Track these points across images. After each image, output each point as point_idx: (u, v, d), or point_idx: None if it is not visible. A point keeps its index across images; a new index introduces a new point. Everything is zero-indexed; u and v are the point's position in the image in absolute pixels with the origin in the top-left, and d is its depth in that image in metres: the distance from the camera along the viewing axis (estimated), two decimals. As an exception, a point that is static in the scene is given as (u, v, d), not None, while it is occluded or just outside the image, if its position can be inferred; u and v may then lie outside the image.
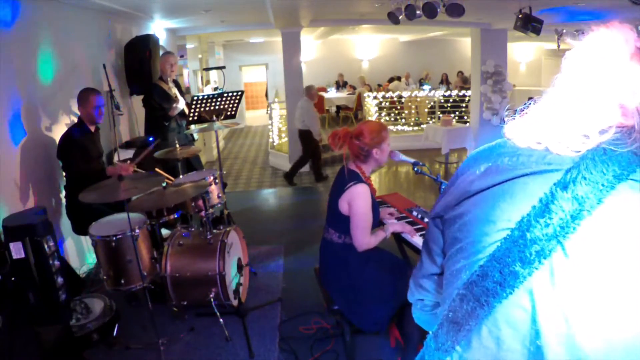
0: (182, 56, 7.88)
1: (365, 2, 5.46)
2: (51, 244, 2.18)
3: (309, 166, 7.27)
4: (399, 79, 12.58)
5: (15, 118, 2.95)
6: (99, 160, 3.34)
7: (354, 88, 12.15)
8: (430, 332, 0.81)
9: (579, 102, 0.67)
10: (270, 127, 8.48)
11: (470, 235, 0.75)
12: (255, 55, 13.62)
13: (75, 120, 3.42)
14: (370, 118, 9.60)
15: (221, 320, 2.77)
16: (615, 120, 0.65)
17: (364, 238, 2.20)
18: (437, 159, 7.79)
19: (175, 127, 4.50)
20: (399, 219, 2.67)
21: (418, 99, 9.91)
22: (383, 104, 9.63)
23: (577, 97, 0.68)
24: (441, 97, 9.46)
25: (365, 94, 10.23)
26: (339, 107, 11.57)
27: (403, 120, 9.72)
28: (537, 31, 4.85)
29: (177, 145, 3.64)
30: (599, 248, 0.61)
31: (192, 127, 4.74)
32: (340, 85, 12.76)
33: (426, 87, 11.31)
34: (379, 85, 12.78)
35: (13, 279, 2.12)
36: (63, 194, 3.33)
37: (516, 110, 0.77)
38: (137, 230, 2.58)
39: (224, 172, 6.74)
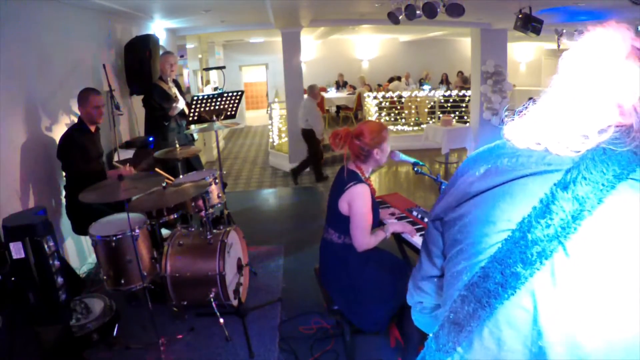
0: (182, 56, 7.88)
1: (365, 2, 5.46)
2: (51, 244, 2.18)
3: (310, 168, 7.28)
4: (399, 79, 12.58)
5: (15, 118, 2.95)
6: (98, 160, 3.34)
7: (354, 88, 12.15)
8: (431, 333, 0.81)
9: (577, 102, 0.67)
10: (270, 127, 8.48)
11: (471, 236, 0.75)
12: (255, 55, 13.62)
13: (76, 120, 3.42)
14: (370, 118, 9.60)
15: (221, 320, 2.77)
16: (613, 120, 0.65)
17: (364, 238, 2.20)
18: (437, 159, 7.79)
19: (175, 127, 4.50)
20: (399, 219, 2.67)
21: (418, 99, 9.91)
22: (383, 104, 9.63)
23: (575, 97, 0.68)
24: (441, 97, 9.46)
25: (365, 94, 10.23)
26: (339, 107, 11.58)
27: (403, 120, 9.72)
28: (537, 31, 4.85)
29: (177, 146, 3.64)
30: (600, 248, 0.61)
31: (192, 127, 4.74)
32: (340, 85, 12.76)
33: (426, 87, 11.31)
34: (379, 85, 12.78)
35: (13, 279, 2.12)
36: (63, 194, 3.33)
37: (515, 111, 0.77)
38: (137, 230, 2.58)
39: (224, 172, 6.74)
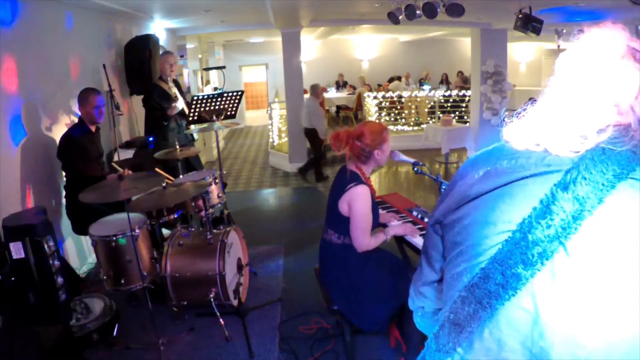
0: (182, 56, 7.88)
1: (365, 2, 5.46)
2: (51, 244, 2.18)
3: (311, 167, 7.28)
4: (399, 79, 12.58)
5: (15, 118, 2.95)
6: (98, 160, 3.34)
7: (354, 88, 12.15)
8: (431, 333, 0.81)
9: (574, 103, 0.68)
10: (270, 127, 8.48)
11: (470, 238, 0.75)
12: (255, 55, 13.62)
13: (76, 120, 3.42)
14: (370, 118, 9.60)
15: (221, 320, 2.77)
16: (611, 119, 0.65)
17: (364, 239, 2.20)
18: (437, 159, 7.79)
19: (175, 127, 4.50)
20: (398, 219, 2.67)
21: (418, 99, 9.91)
22: (383, 104, 9.63)
23: (573, 98, 0.68)
24: (441, 97, 9.46)
25: (365, 94, 10.23)
26: (339, 107, 11.58)
27: (403, 120, 9.71)
28: (537, 31, 4.85)
29: (177, 146, 3.64)
30: (600, 248, 0.62)
31: (192, 127, 4.74)
32: (340, 85, 12.76)
33: (426, 87, 11.31)
34: (379, 85, 12.78)
35: (13, 279, 2.12)
36: (63, 194, 3.33)
37: (514, 112, 0.77)
38: (137, 230, 2.58)
39: (224, 172, 6.74)
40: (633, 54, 0.65)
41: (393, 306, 2.27)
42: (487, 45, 7.53)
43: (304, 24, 6.99)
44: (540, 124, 0.71)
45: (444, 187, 2.46)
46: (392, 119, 9.74)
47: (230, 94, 3.95)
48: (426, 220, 2.62)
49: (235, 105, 4.04)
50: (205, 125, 3.96)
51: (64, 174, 3.25)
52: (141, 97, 4.62)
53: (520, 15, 4.87)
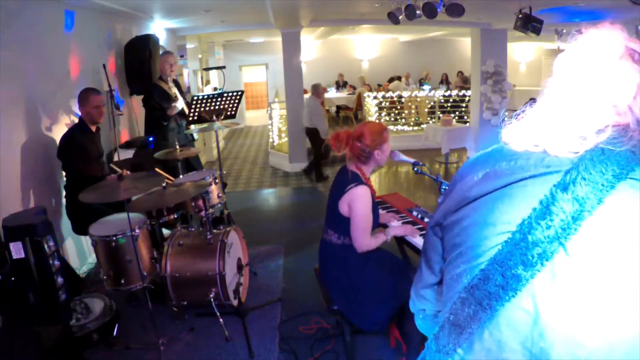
0: (182, 56, 7.88)
1: (365, 2, 5.46)
2: (51, 244, 2.18)
3: (308, 166, 7.28)
4: (399, 79, 12.58)
5: (15, 118, 2.95)
6: (99, 160, 3.34)
7: (354, 88, 12.15)
8: (431, 334, 0.81)
9: (573, 104, 0.68)
10: (270, 127, 8.48)
11: (470, 239, 0.75)
12: (255, 55, 13.62)
13: (76, 120, 3.42)
14: (370, 118, 9.60)
15: (221, 320, 2.77)
16: (610, 120, 0.65)
17: (364, 239, 2.20)
18: (437, 159, 7.79)
19: (175, 127, 4.50)
20: (398, 219, 2.67)
21: (418, 99, 9.91)
22: (383, 104, 9.63)
23: (571, 99, 0.68)
24: (441, 97, 9.46)
25: (365, 94, 10.23)
26: (339, 107, 11.58)
27: (403, 120, 9.71)
28: (537, 31, 4.85)
29: (177, 146, 3.64)
30: (600, 248, 0.62)
31: (192, 127, 4.74)
32: (340, 85, 12.76)
33: (426, 87, 11.31)
34: (379, 85, 12.78)
35: (13, 279, 2.12)
36: (63, 194, 3.33)
37: (513, 114, 0.77)
38: (137, 230, 2.58)
39: (224, 172, 6.73)
40: (631, 55, 0.66)
41: (393, 306, 2.27)
42: (487, 45, 7.53)
43: (304, 24, 6.99)
44: (539, 125, 0.71)
45: (444, 187, 2.46)
46: (392, 119, 9.74)
47: (230, 94, 3.95)
48: (426, 220, 2.63)
49: (235, 105, 4.04)
50: (205, 125, 3.96)
51: (64, 174, 3.25)
52: (141, 97, 4.62)
53: (520, 15, 4.87)
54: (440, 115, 8.98)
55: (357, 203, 2.15)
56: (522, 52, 13.98)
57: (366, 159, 2.23)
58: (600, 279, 0.61)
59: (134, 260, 2.56)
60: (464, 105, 9.45)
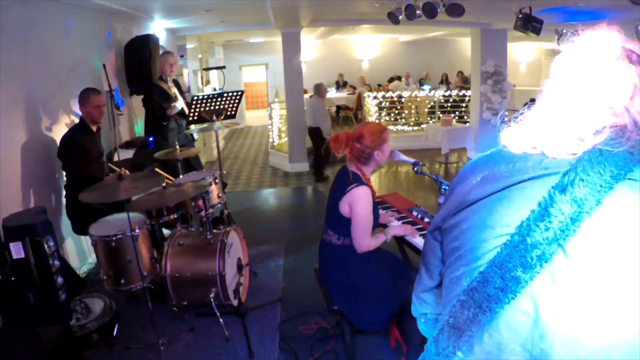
0: (182, 56, 7.88)
1: (365, 2, 5.46)
2: (51, 244, 2.18)
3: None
4: (399, 79, 12.58)
5: (15, 118, 2.95)
6: (99, 160, 3.34)
7: (354, 88, 12.15)
8: (431, 337, 0.81)
9: (570, 105, 0.68)
10: (270, 127, 8.48)
11: (469, 242, 0.75)
12: (255, 55, 13.62)
13: (76, 120, 3.43)
14: (370, 118, 9.61)
15: (221, 320, 2.77)
16: (608, 121, 0.65)
17: (364, 240, 2.20)
18: (437, 159, 7.79)
19: (175, 127, 4.50)
20: (398, 219, 2.67)
21: (418, 99, 9.91)
22: (383, 104, 9.63)
23: (568, 100, 0.68)
24: (441, 97, 9.46)
25: (365, 94, 10.24)
26: (339, 107, 11.57)
27: (403, 120, 9.71)
28: (537, 31, 4.85)
29: (177, 146, 3.65)
30: (599, 249, 0.62)
31: (192, 127, 4.74)
32: (340, 85, 12.76)
33: (426, 87, 11.30)
34: (379, 85, 12.78)
35: (13, 279, 2.12)
36: (63, 194, 3.33)
37: (511, 117, 0.77)
38: (137, 230, 2.58)
39: (224, 172, 6.73)
40: (628, 56, 0.66)
41: (393, 306, 2.28)
42: (487, 45, 7.53)
43: (304, 24, 6.99)
44: (537, 127, 0.71)
45: (444, 187, 2.47)
46: (392, 119, 9.74)
47: (230, 94, 3.95)
48: (426, 220, 2.63)
49: (235, 105, 4.04)
50: (205, 125, 3.96)
51: (64, 173, 3.25)
52: (141, 97, 4.62)
53: (520, 15, 4.87)
54: (440, 115, 8.98)
55: (358, 203, 2.15)
56: (522, 52, 13.98)
57: (366, 160, 2.23)
58: (600, 279, 0.61)
59: (134, 260, 2.56)
60: (464, 105, 9.45)
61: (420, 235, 2.41)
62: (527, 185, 0.70)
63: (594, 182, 0.62)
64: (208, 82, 10.66)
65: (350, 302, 2.29)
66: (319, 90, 6.53)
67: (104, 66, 4.12)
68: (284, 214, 5.46)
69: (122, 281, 2.60)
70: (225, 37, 11.16)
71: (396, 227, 2.46)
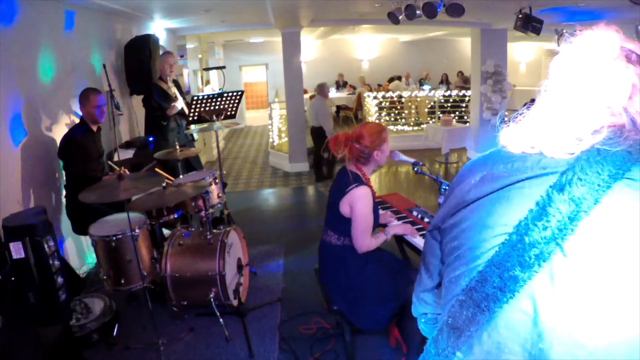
0: (182, 56, 7.88)
1: (365, 2, 5.45)
2: (51, 244, 2.18)
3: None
4: (399, 79, 12.58)
5: (15, 118, 2.95)
6: (99, 160, 3.34)
7: (354, 88, 12.15)
8: (430, 337, 0.81)
9: (568, 105, 0.68)
10: (270, 127, 8.48)
11: (468, 242, 0.76)
12: (255, 55, 13.62)
13: (76, 120, 3.42)
14: (370, 118, 9.61)
15: (221, 320, 2.77)
16: (606, 120, 0.66)
17: (365, 240, 2.20)
18: (437, 159, 7.79)
19: (175, 127, 4.50)
20: (398, 219, 2.67)
21: (418, 99, 9.91)
22: (383, 104, 9.63)
23: (567, 100, 0.68)
24: (441, 97, 9.46)
25: (365, 94, 10.24)
26: (339, 107, 11.57)
27: (403, 120, 9.71)
28: (537, 31, 4.85)
29: (177, 146, 3.65)
30: (598, 248, 0.62)
31: (192, 127, 4.74)
32: (340, 85, 12.76)
33: (426, 87, 11.30)
34: (379, 85, 12.78)
35: (13, 279, 2.12)
36: (63, 194, 3.33)
37: (511, 116, 0.77)
38: (137, 230, 2.58)
39: (224, 172, 6.74)
40: (627, 55, 0.66)
41: (393, 306, 2.27)
42: (487, 45, 7.53)
43: (304, 24, 6.99)
44: (536, 127, 0.72)
45: (444, 187, 2.47)
46: (392, 119, 9.74)
47: (230, 94, 3.95)
48: (426, 220, 2.63)
49: (235, 105, 4.04)
50: (205, 125, 3.96)
51: (64, 173, 3.25)
52: (141, 97, 4.62)
53: (520, 15, 4.87)
54: (440, 115, 8.98)
55: (359, 204, 2.15)
56: (522, 52, 13.98)
57: (366, 160, 2.23)
58: (599, 279, 0.61)
59: (134, 260, 2.56)
60: (464, 105, 9.45)
61: (420, 235, 2.41)
62: (525, 184, 0.70)
63: (592, 181, 0.62)
64: (208, 82, 10.66)
65: (350, 302, 2.29)
66: (322, 90, 6.55)
67: (104, 66, 4.12)
68: (284, 214, 5.46)
69: (122, 281, 2.60)
70: (225, 37, 11.16)
71: (396, 226, 2.46)
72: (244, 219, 4.93)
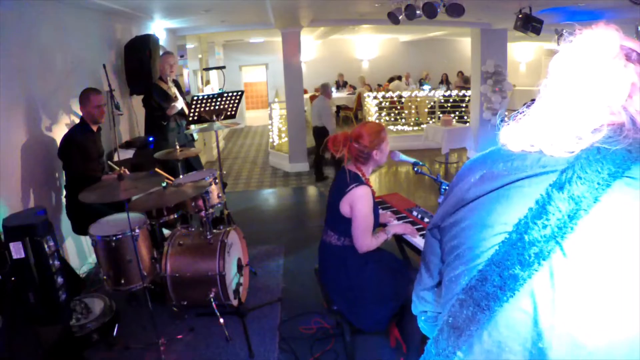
0: (182, 56, 7.88)
1: (365, 2, 5.46)
2: (51, 244, 2.18)
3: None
4: (399, 78, 12.58)
5: (15, 118, 2.95)
6: (99, 160, 3.34)
7: (354, 88, 12.14)
8: (431, 337, 0.81)
9: (568, 104, 0.68)
10: (270, 127, 8.48)
11: (468, 241, 0.75)
12: (255, 55, 13.62)
13: (76, 120, 3.42)
14: (370, 118, 9.60)
15: (221, 320, 2.77)
16: (605, 119, 0.66)
17: (365, 240, 2.20)
18: (437, 159, 7.79)
19: (175, 127, 4.50)
20: (398, 219, 2.67)
21: (418, 99, 9.91)
22: (383, 104, 9.63)
23: (566, 99, 0.68)
24: (441, 97, 9.46)
25: (365, 94, 10.23)
26: (339, 107, 11.56)
27: (403, 120, 9.71)
28: (537, 31, 4.85)
29: (177, 146, 3.65)
30: (597, 247, 0.62)
31: (192, 127, 4.74)
32: (340, 85, 12.76)
33: (426, 87, 11.30)
34: (379, 85, 12.77)
35: (13, 279, 2.12)
36: (63, 194, 3.33)
37: (510, 116, 0.77)
38: (137, 230, 2.58)
39: (224, 172, 6.73)
40: (627, 54, 0.66)
41: (393, 306, 2.27)
42: (487, 45, 7.53)
43: (304, 24, 6.99)
44: (535, 125, 0.72)
45: (444, 187, 2.47)
46: (392, 119, 9.74)
47: (230, 94, 3.95)
48: (426, 220, 2.63)
49: (235, 105, 4.04)
50: (205, 125, 3.96)
51: (64, 173, 3.25)
52: (141, 97, 4.62)
53: (520, 15, 4.87)
54: (440, 115, 8.98)
55: (359, 204, 2.15)
56: (522, 52, 13.98)
57: (365, 160, 2.23)
58: (599, 277, 0.61)
59: (134, 260, 2.56)
60: (464, 105, 9.45)
61: (420, 235, 2.41)
62: (525, 183, 0.70)
63: (592, 179, 0.62)
64: (208, 82, 10.66)
65: (350, 302, 2.29)
66: (326, 90, 6.55)
67: (104, 66, 4.12)
68: (284, 214, 5.46)
69: (122, 281, 2.60)
70: (225, 37, 11.16)
71: (396, 225, 2.46)
72: (244, 219, 4.93)
